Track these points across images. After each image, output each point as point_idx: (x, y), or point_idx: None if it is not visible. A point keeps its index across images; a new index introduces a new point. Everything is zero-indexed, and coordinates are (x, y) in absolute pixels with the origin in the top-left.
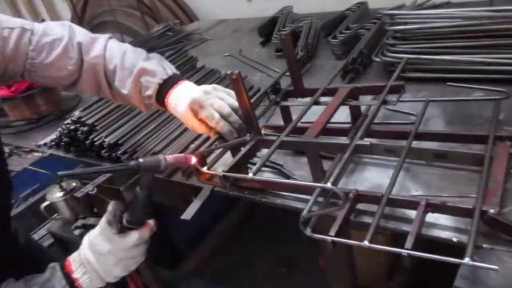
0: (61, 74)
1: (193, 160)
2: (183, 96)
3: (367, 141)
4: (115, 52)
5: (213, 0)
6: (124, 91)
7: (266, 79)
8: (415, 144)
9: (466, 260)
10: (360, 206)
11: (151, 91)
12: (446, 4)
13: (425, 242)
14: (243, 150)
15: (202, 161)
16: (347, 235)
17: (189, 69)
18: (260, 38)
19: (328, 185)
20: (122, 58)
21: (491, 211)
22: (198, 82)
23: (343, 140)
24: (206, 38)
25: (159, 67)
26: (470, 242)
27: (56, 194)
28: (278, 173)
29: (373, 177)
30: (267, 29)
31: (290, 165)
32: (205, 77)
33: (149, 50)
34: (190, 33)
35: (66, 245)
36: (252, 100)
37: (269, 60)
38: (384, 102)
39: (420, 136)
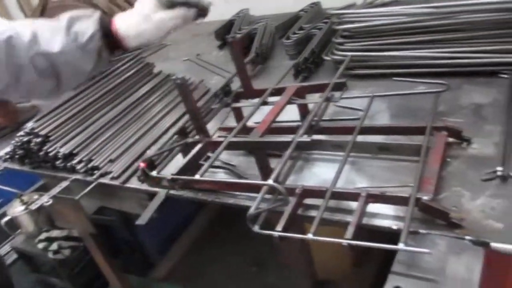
0: None
1: (142, 165)
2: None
3: (308, 137)
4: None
5: None
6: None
7: (222, 81)
8: (361, 138)
9: (400, 245)
10: (308, 201)
11: (91, 30)
12: (395, 2)
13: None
14: (192, 152)
15: (152, 165)
16: (300, 229)
17: (145, 75)
18: (218, 41)
19: (270, 182)
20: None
21: (425, 198)
22: (155, 88)
23: (287, 138)
24: (165, 43)
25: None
26: (405, 228)
27: (17, 209)
28: (231, 174)
29: (322, 173)
30: (224, 32)
31: (244, 165)
32: (161, 82)
33: None
34: None
35: (31, 260)
36: (202, 103)
37: (227, 63)
38: (327, 99)
39: (366, 131)
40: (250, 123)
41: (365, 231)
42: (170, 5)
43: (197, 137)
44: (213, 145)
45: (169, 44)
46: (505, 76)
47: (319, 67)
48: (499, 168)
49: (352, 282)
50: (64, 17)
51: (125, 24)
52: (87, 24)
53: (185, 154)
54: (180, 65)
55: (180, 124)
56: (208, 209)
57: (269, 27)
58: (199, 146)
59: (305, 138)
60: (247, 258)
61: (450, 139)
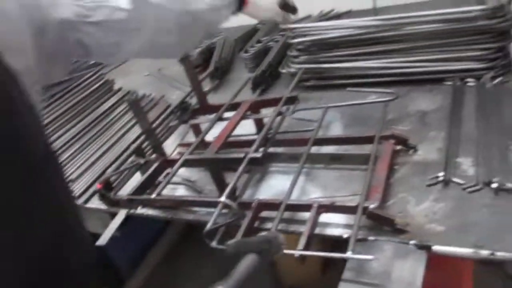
0: None
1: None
2: None
3: (260, 153)
4: None
5: None
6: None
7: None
8: (316, 149)
9: (348, 253)
10: (265, 213)
11: None
12: (346, 14)
13: None
14: (148, 171)
15: (109, 186)
16: None
17: (105, 92)
18: None
19: (222, 199)
20: None
21: (372, 206)
22: (116, 105)
23: (241, 154)
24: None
25: None
26: (352, 237)
27: None
28: (191, 190)
29: (278, 185)
30: None
31: (204, 179)
32: (122, 98)
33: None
34: None
35: None
36: (162, 119)
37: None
38: (280, 113)
39: (320, 142)
40: (209, 138)
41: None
42: None
43: (154, 155)
44: (169, 164)
45: (131, 58)
46: (449, 83)
47: (277, 79)
48: (441, 174)
49: (320, 287)
50: None
51: None
52: None
53: (142, 172)
54: (141, 80)
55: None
56: (178, 222)
57: (228, 40)
58: (155, 164)
59: (257, 154)
60: (219, 270)
61: (398, 147)
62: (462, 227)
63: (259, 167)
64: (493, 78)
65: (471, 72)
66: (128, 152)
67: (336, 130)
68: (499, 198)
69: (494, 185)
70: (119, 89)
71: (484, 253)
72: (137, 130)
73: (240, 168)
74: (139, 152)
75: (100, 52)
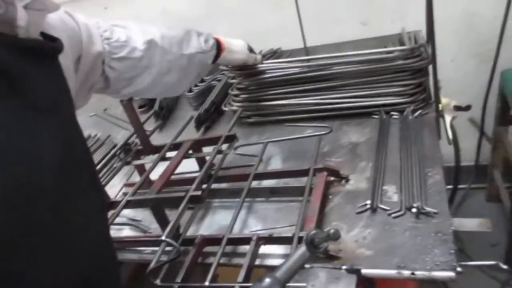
0: None
1: None
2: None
3: (200, 191)
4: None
5: None
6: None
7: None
8: (257, 183)
9: None
10: (208, 248)
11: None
12: (279, 52)
13: None
14: None
15: None
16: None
17: None
18: None
19: (163, 238)
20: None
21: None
22: None
23: (180, 193)
24: None
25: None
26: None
27: None
28: (137, 229)
29: (222, 219)
30: None
31: (149, 218)
32: None
33: None
34: None
35: None
36: (103, 162)
37: None
38: (219, 152)
39: (260, 176)
40: (154, 177)
41: None
42: None
43: None
44: (113, 205)
45: None
46: (376, 116)
47: (221, 116)
48: (368, 202)
49: None
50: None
51: (225, 40)
52: (207, 34)
53: None
54: (87, 120)
55: None
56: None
57: None
58: None
59: (197, 192)
60: None
61: (331, 178)
62: (388, 250)
63: (203, 204)
64: (414, 111)
65: (395, 106)
66: None
67: (276, 164)
68: (419, 221)
69: (414, 210)
70: None
71: (406, 273)
72: None
73: (181, 207)
74: None
75: (116, 85)
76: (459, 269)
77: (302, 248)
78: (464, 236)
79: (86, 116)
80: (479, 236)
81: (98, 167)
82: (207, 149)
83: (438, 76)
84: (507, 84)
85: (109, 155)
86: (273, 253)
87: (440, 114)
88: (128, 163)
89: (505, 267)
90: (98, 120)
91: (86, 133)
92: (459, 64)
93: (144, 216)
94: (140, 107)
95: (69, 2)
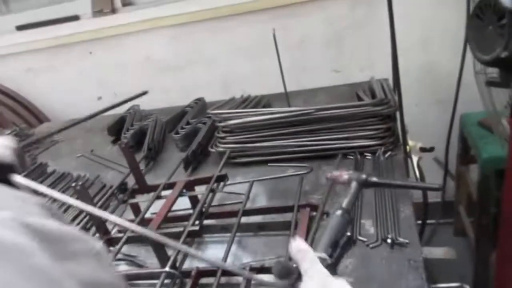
0: None
1: None
2: None
3: (196, 226)
4: None
5: (64, 100)
6: None
7: (118, 176)
8: (245, 219)
9: None
10: (204, 280)
11: None
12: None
13: None
14: None
15: None
16: None
17: (39, 175)
18: (111, 136)
19: (167, 269)
20: None
21: (294, 266)
22: (51, 186)
23: (179, 228)
24: (57, 140)
25: None
26: None
27: None
28: (132, 264)
29: (215, 254)
30: (116, 127)
31: (144, 254)
32: (57, 181)
33: None
34: (40, 137)
35: None
36: (99, 200)
37: (121, 157)
38: (212, 190)
39: (248, 212)
40: (147, 215)
41: None
42: None
43: (97, 235)
44: (113, 242)
45: (62, 140)
46: (351, 157)
47: (208, 157)
48: (348, 233)
49: None
50: None
51: None
52: None
53: None
54: (74, 161)
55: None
56: None
57: (159, 121)
58: None
59: (195, 227)
60: None
61: (314, 213)
62: (367, 277)
63: (196, 239)
64: (385, 152)
65: (368, 148)
66: None
67: (262, 201)
68: (394, 251)
69: (389, 241)
70: (53, 171)
71: None
72: (73, 212)
73: (181, 240)
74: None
75: None
76: None
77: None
78: (433, 269)
79: (73, 157)
80: (447, 269)
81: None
82: (198, 188)
83: (404, 121)
84: (465, 127)
85: (107, 194)
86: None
87: (408, 155)
88: (124, 202)
89: (467, 287)
90: (85, 161)
91: (74, 174)
92: (423, 108)
93: (138, 251)
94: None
95: (56, 46)
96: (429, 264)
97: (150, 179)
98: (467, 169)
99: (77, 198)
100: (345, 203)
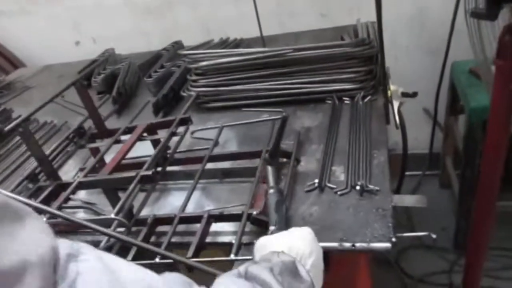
0: None
1: None
2: None
3: (151, 171)
4: None
5: (40, 45)
6: None
7: (88, 121)
8: (212, 165)
9: (231, 256)
10: (162, 228)
11: None
12: (240, 40)
13: None
14: (41, 197)
15: None
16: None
17: (1, 122)
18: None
19: (112, 216)
20: None
21: (254, 213)
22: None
23: (132, 173)
24: (29, 86)
25: None
26: (236, 241)
27: None
28: (91, 212)
29: (175, 201)
30: (88, 72)
31: (104, 201)
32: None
33: None
34: (10, 82)
35: None
36: (55, 146)
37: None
38: (174, 134)
39: (215, 158)
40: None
41: None
42: None
43: (48, 181)
44: (63, 187)
45: (34, 86)
46: (329, 101)
47: (180, 102)
48: (316, 180)
49: None
50: None
51: None
52: None
53: (36, 198)
54: (44, 107)
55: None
56: None
57: (133, 66)
58: (49, 189)
59: (148, 172)
60: None
61: (284, 160)
62: (332, 225)
63: (159, 186)
64: (364, 97)
65: (347, 92)
66: (21, 179)
67: (232, 147)
68: (363, 199)
69: (358, 188)
70: (18, 117)
71: (347, 245)
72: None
73: (132, 186)
74: (32, 178)
75: None
76: (394, 239)
77: None
78: (416, 220)
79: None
80: (430, 221)
81: (54, 152)
82: (163, 133)
83: (391, 67)
84: (456, 75)
85: (62, 139)
86: (224, 230)
87: (388, 100)
88: (82, 147)
89: (434, 236)
90: (56, 107)
91: (42, 120)
92: (413, 56)
93: (99, 199)
94: (98, 93)
95: None
96: (412, 214)
97: (121, 124)
98: (455, 120)
99: (22, 143)
100: (271, 182)
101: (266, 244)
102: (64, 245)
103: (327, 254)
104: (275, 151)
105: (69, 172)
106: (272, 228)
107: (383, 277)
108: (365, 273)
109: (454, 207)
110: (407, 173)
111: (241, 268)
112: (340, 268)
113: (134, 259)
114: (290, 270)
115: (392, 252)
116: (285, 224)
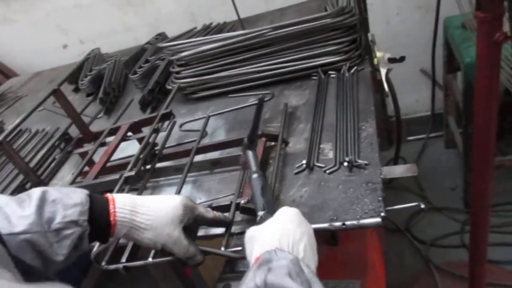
0: None
1: None
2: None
3: (133, 171)
4: None
5: (29, 52)
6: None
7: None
8: (202, 157)
9: (222, 249)
10: None
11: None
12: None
13: None
14: None
15: None
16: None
17: None
18: (72, 85)
19: None
20: None
21: (242, 202)
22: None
23: (115, 176)
24: (21, 95)
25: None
26: (227, 233)
27: None
28: None
29: None
30: (76, 75)
31: None
32: (15, 137)
33: None
34: (2, 93)
35: None
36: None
37: (82, 106)
38: (157, 130)
39: (203, 150)
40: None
41: None
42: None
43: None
44: None
45: (26, 94)
46: (315, 77)
47: (168, 95)
48: (304, 161)
49: None
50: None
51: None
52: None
53: None
54: (36, 116)
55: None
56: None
57: (119, 63)
58: None
59: (131, 173)
60: None
61: (272, 143)
62: (322, 205)
63: (150, 184)
64: (350, 68)
65: (332, 65)
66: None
67: (221, 135)
68: (352, 174)
69: (346, 164)
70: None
71: (337, 224)
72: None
73: (116, 188)
74: (20, 191)
75: None
76: (383, 214)
77: None
78: (425, 184)
79: (35, 111)
80: (439, 182)
81: (40, 162)
82: (146, 131)
83: (383, 32)
84: (449, 31)
85: (47, 146)
86: None
87: (375, 68)
88: (69, 152)
89: (423, 206)
90: (48, 114)
91: (33, 129)
92: (405, 17)
93: None
94: (88, 95)
95: None
96: (420, 179)
97: (109, 125)
98: (454, 78)
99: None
100: (253, 166)
101: (255, 235)
102: None
103: (334, 231)
104: (253, 135)
105: (64, 177)
106: (260, 213)
107: (395, 245)
108: (375, 245)
109: (461, 166)
110: (411, 137)
111: (258, 280)
112: (348, 243)
113: (128, 260)
114: (300, 268)
115: (399, 221)
116: (275, 206)
